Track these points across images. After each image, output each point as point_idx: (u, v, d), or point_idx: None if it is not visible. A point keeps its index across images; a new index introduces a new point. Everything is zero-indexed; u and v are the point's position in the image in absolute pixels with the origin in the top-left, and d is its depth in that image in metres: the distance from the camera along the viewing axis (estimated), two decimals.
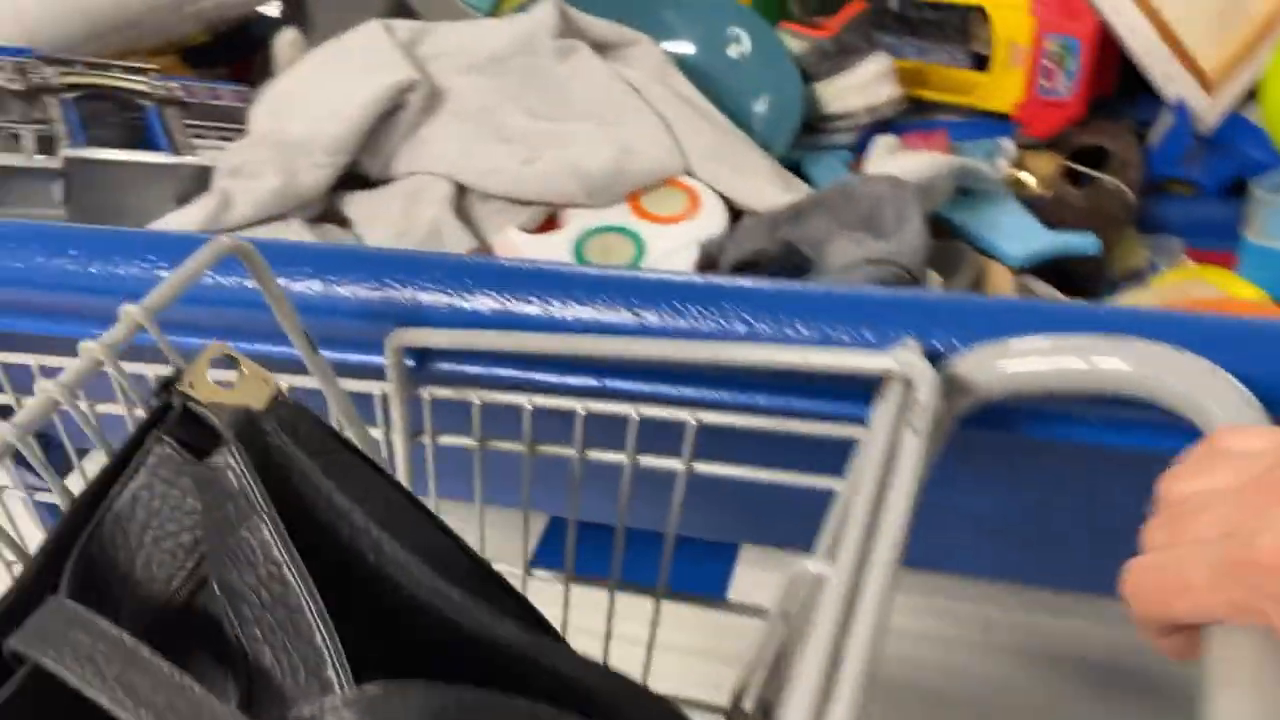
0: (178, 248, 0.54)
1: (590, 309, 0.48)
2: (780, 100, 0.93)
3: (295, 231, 0.79)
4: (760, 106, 0.95)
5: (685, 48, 0.99)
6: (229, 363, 0.36)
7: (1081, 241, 0.76)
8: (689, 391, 0.49)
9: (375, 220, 0.80)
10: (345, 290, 0.52)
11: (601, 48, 0.92)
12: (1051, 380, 0.40)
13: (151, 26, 1.02)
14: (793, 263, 0.63)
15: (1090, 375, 0.39)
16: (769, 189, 0.79)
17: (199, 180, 0.83)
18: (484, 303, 0.50)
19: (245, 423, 0.34)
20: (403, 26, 0.91)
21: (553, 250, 0.77)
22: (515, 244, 0.78)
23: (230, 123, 0.89)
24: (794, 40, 0.95)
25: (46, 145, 0.77)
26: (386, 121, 0.83)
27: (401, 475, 0.54)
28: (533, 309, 0.49)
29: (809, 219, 0.73)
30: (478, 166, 0.81)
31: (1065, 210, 0.80)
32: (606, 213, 0.79)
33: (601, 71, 0.87)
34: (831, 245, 0.70)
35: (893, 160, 0.76)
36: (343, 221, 0.84)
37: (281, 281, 0.51)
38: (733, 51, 0.98)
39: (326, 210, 0.84)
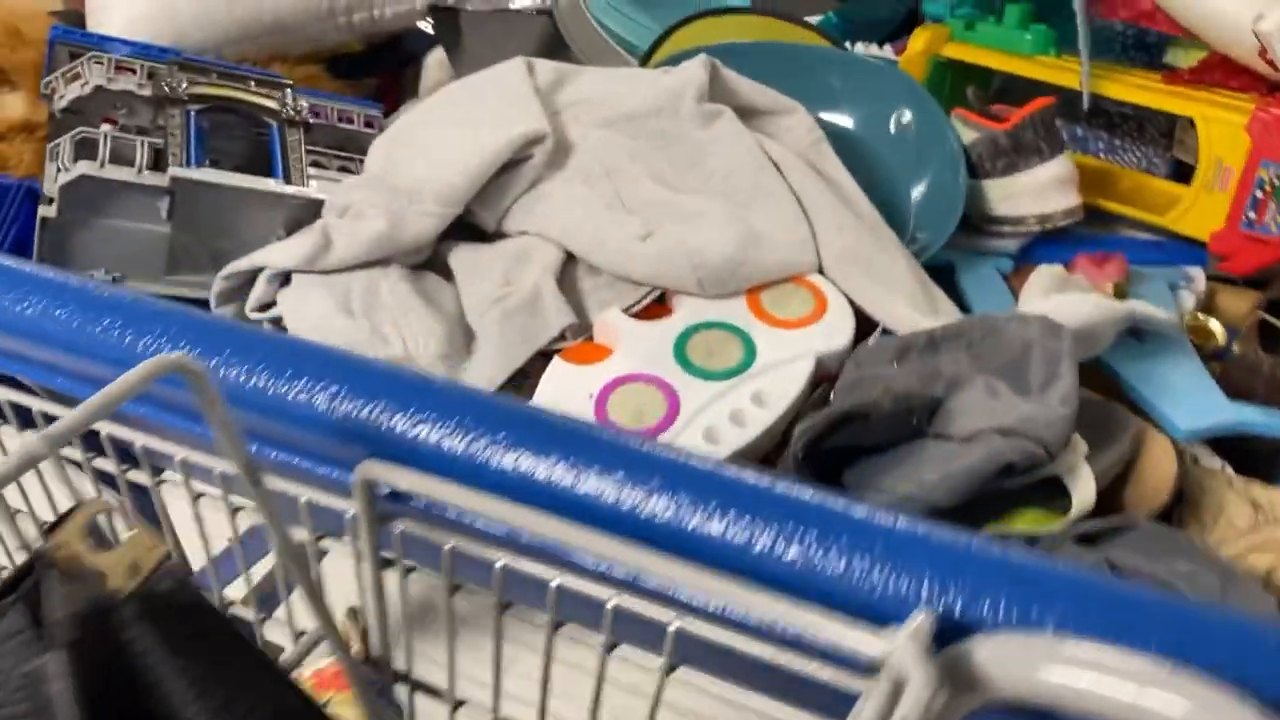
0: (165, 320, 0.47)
1: (597, 479, 0.40)
2: (941, 192, 0.84)
3: (393, 279, 0.75)
4: (918, 194, 0.86)
5: (844, 119, 0.91)
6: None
7: (1268, 422, 0.65)
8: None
9: (477, 278, 0.75)
10: (313, 400, 0.45)
11: (751, 113, 0.84)
12: (1090, 703, 0.31)
13: (301, 33, 1.00)
14: (907, 423, 0.55)
15: (1135, 712, 0.30)
16: (906, 309, 0.70)
17: (311, 209, 0.79)
18: (466, 446, 0.42)
19: (95, 615, 0.28)
20: (546, 68, 0.86)
21: (653, 340, 0.70)
22: (614, 327, 0.71)
23: (353, 152, 0.86)
24: (966, 129, 0.85)
25: (159, 159, 0.75)
26: (507, 172, 0.78)
27: (370, 606, 0.48)
28: (510, 461, 0.41)
29: (945, 351, 0.64)
30: (590, 235, 0.75)
31: (1254, 378, 0.68)
32: (720, 305, 0.72)
33: (743, 142, 0.80)
34: (965, 390, 0.61)
35: (1054, 298, 0.66)
36: (449, 271, 0.79)
37: (243, 378, 0.45)
38: (896, 129, 0.89)
39: (434, 257, 0.80)
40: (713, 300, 0.72)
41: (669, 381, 0.67)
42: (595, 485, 0.39)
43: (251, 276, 0.75)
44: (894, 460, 0.55)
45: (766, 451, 0.66)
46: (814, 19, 1.10)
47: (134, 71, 0.82)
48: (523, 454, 0.40)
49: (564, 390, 0.68)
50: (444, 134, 0.79)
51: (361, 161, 0.84)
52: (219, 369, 0.45)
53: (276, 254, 0.74)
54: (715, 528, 0.37)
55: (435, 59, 1.08)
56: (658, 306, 0.74)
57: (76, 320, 0.47)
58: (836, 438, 0.54)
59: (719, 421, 0.65)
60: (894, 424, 0.54)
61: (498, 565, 0.41)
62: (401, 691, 0.53)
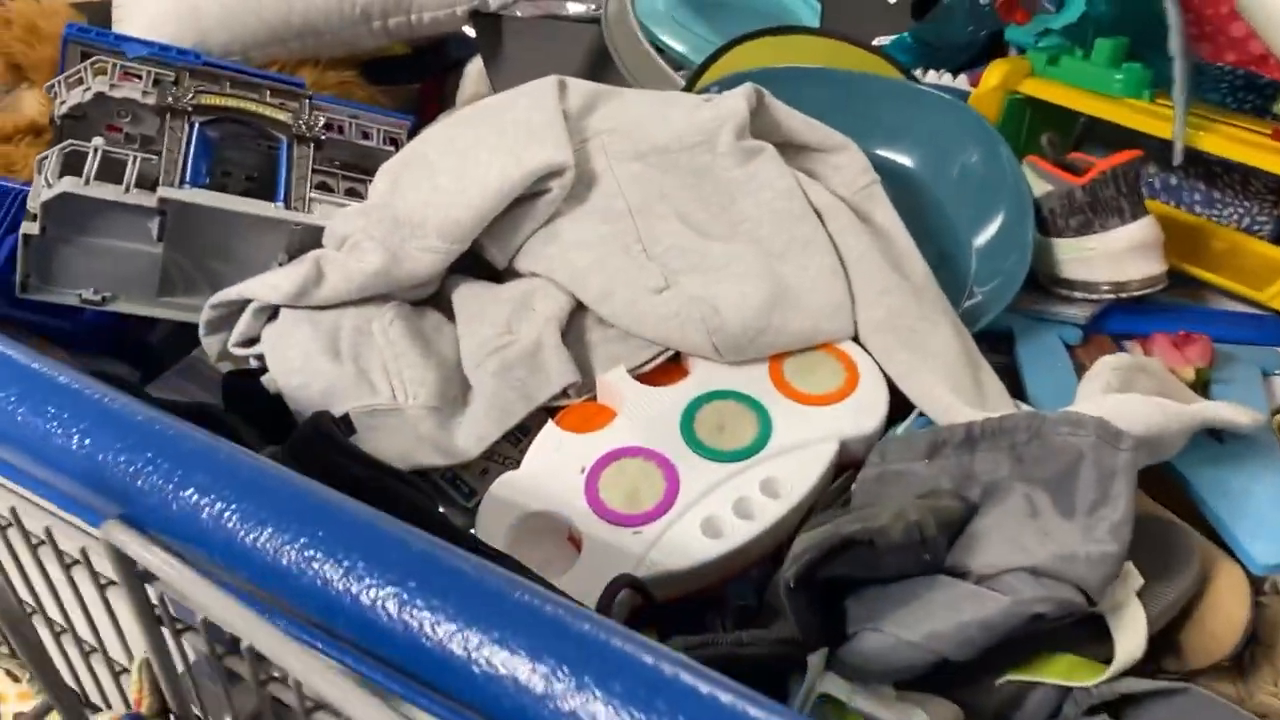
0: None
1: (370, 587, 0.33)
2: (1006, 247, 0.75)
3: (388, 319, 0.69)
4: (979, 248, 0.77)
5: (903, 157, 0.82)
6: None
7: None
8: None
9: (478, 323, 0.69)
10: (66, 440, 0.39)
11: (797, 149, 0.76)
12: None
13: (334, 37, 0.95)
14: (918, 556, 0.47)
15: None
16: (948, 393, 0.62)
17: (314, 234, 0.74)
18: (226, 522, 0.36)
19: None
20: (580, 90, 0.79)
21: (660, 409, 0.63)
22: (618, 389, 0.64)
23: (367, 171, 0.80)
24: (1038, 179, 0.76)
25: (151, 176, 0.70)
26: (522, 205, 0.72)
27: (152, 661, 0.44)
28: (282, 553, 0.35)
29: (984, 450, 0.56)
30: (601, 283, 0.68)
31: None
32: (737, 373, 0.65)
33: (782, 185, 0.72)
34: (1000, 502, 0.52)
35: (1113, 397, 0.57)
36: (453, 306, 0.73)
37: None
38: (960, 173, 0.80)
39: (440, 290, 0.74)
40: (731, 366, 0.65)
41: (671, 459, 0.60)
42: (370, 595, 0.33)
43: (242, 305, 0.70)
44: (900, 597, 0.47)
45: (774, 548, 0.59)
46: (886, 39, 1.02)
47: (139, 78, 0.77)
48: (302, 548, 0.34)
49: (555, 462, 0.61)
50: (456, 161, 0.73)
51: (370, 181, 0.78)
52: None
53: (263, 286, 0.68)
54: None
55: (474, 69, 1.02)
56: (672, 367, 0.67)
57: None
58: (836, 564, 0.46)
59: (722, 511, 0.58)
60: (904, 556, 0.46)
61: (245, 645, 0.36)
62: None
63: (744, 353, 0.64)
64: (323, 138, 0.79)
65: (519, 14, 1.02)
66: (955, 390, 0.62)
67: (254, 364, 0.70)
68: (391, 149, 0.84)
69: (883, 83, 0.86)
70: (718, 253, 0.69)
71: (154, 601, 0.42)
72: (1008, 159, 0.76)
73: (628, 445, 0.61)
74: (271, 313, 0.70)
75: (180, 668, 0.46)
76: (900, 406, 0.64)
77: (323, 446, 0.57)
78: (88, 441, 0.39)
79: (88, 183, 0.68)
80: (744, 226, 0.71)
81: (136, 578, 0.40)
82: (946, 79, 0.95)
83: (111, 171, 0.70)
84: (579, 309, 0.69)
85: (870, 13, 1.05)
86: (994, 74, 0.84)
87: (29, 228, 0.68)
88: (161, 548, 0.37)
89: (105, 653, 0.51)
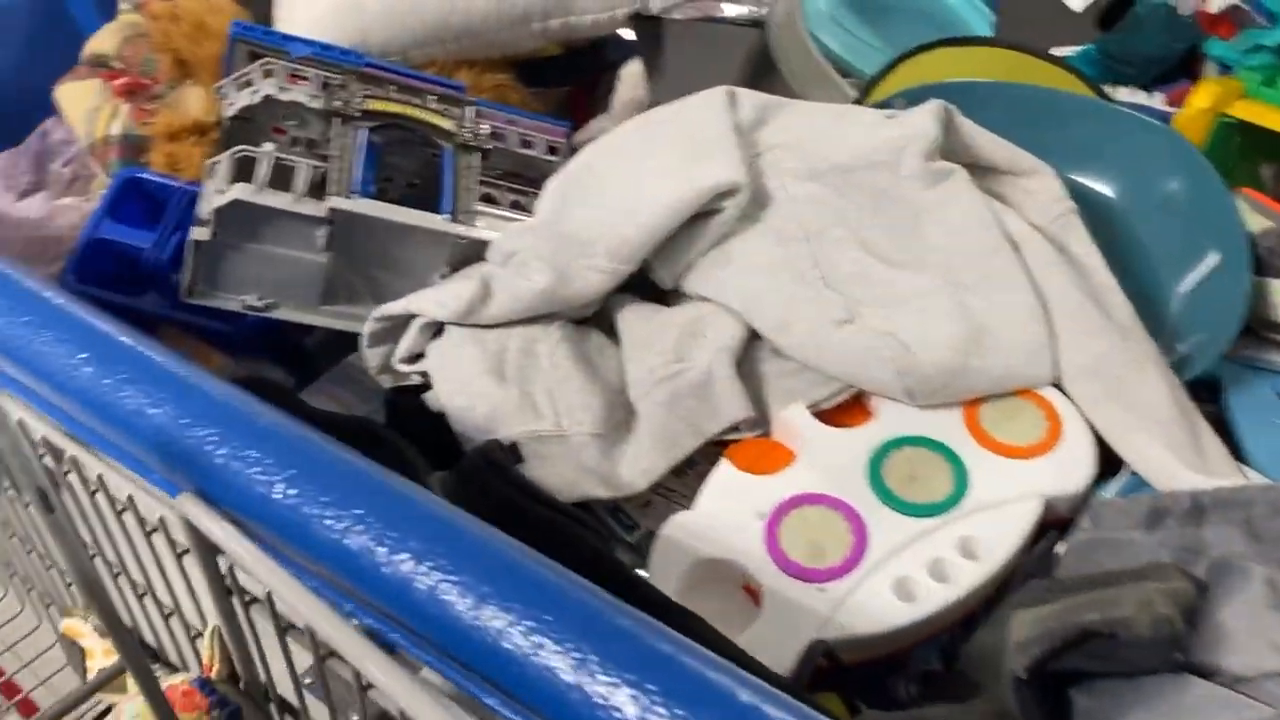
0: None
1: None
2: (1217, 289, 0.69)
3: (553, 340, 0.66)
4: (1185, 290, 0.71)
5: (1099, 185, 0.77)
6: None
7: None
8: None
9: (645, 349, 0.66)
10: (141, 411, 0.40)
11: (983, 172, 0.71)
12: None
13: (493, 39, 0.92)
14: (1167, 653, 0.42)
15: None
16: (1162, 451, 0.56)
17: (478, 248, 0.72)
18: (296, 504, 0.36)
19: None
20: (751, 102, 0.75)
21: (844, 452, 0.59)
22: (797, 428, 0.61)
23: (530, 182, 0.78)
24: (1254, 214, 0.69)
25: (320, 184, 0.69)
26: (693, 225, 0.68)
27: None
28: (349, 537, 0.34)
29: (1214, 524, 0.51)
30: (778, 313, 0.64)
31: None
32: (929, 417, 0.60)
33: (975, 213, 0.67)
34: (1242, 587, 0.47)
35: None
36: (614, 326, 0.70)
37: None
38: (1164, 205, 0.74)
39: (601, 310, 0.71)
40: (922, 411, 0.60)
41: (858, 510, 0.56)
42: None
43: (406, 319, 0.69)
44: (1143, 697, 0.42)
45: (968, 613, 0.55)
46: (1069, 50, 0.95)
47: (307, 80, 0.76)
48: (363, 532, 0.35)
49: (731, 506, 0.58)
50: (625, 177, 0.70)
51: (537, 195, 0.76)
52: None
53: (430, 302, 0.66)
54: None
55: (632, 72, 0.98)
56: (853, 405, 0.63)
57: None
58: (1070, 656, 0.42)
59: (915, 572, 0.54)
60: (1149, 652, 0.42)
61: (304, 623, 0.37)
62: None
63: (937, 396, 0.60)
64: (488, 147, 0.76)
65: (677, 16, 0.99)
66: (1172, 449, 0.57)
67: (416, 380, 0.68)
68: (553, 158, 0.82)
69: (1074, 100, 0.80)
70: (904, 284, 0.65)
71: (224, 572, 0.44)
72: (1221, 191, 0.70)
73: (810, 492, 0.57)
74: (436, 329, 0.68)
75: (249, 637, 0.47)
76: (1104, 461, 0.59)
77: (493, 477, 0.55)
78: (168, 415, 0.40)
79: (260, 190, 0.67)
80: (931, 256, 0.67)
81: (208, 549, 0.42)
82: (1141, 97, 0.88)
83: (281, 178, 0.69)
84: (753, 337, 0.66)
85: (1050, 22, 0.99)
86: (1203, 95, 0.77)
87: (199, 233, 0.68)
88: (230, 523, 0.38)
89: (181, 616, 0.54)
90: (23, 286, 0.47)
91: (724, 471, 0.59)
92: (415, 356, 0.68)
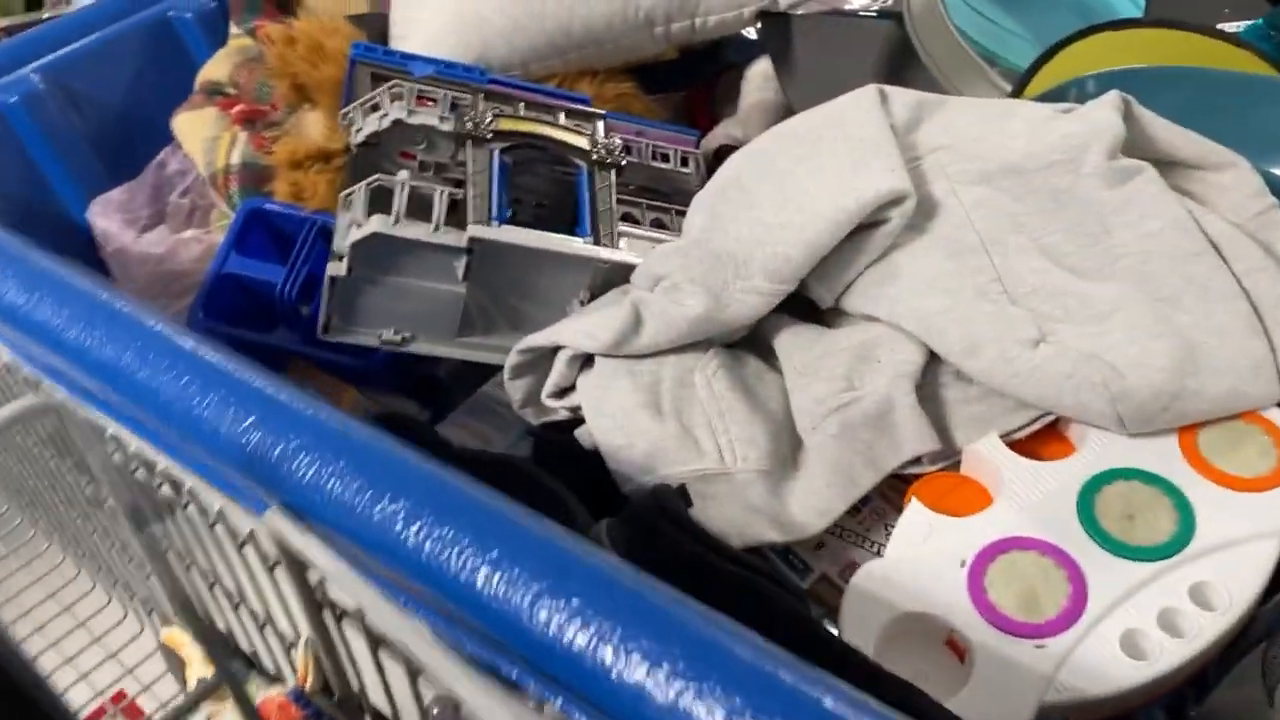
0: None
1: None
2: None
3: (710, 369, 0.62)
4: None
5: None
6: None
7: None
8: None
9: (811, 376, 0.61)
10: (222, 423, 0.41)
11: (1168, 168, 0.65)
12: None
13: (614, 45, 0.88)
14: None
15: None
16: None
17: (621, 272, 0.68)
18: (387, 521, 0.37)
19: None
20: (904, 100, 0.70)
21: (1049, 489, 0.54)
22: (992, 462, 0.55)
23: (666, 195, 0.73)
24: None
25: (457, 208, 0.66)
26: (854, 238, 0.63)
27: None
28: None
29: None
30: (961, 333, 0.59)
31: None
32: (1141, 447, 0.54)
33: (1168, 212, 0.61)
34: None
35: None
36: (768, 346, 0.66)
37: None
38: None
39: (755, 333, 0.66)
40: (1133, 440, 0.55)
41: (1073, 555, 0.51)
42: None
43: (552, 350, 0.65)
44: None
45: (1204, 668, 0.49)
46: (1236, 26, 0.88)
47: (434, 102, 0.73)
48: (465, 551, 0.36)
49: (928, 552, 0.53)
50: (777, 189, 0.65)
51: (678, 212, 0.71)
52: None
53: (578, 333, 0.62)
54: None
55: (759, 71, 0.94)
56: (1051, 436, 0.58)
57: None
58: None
59: (1144, 624, 0.48)
60: None
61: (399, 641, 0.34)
62: None
63: (1153, 423, 0.54)
64: (623, 163, 0.72)
65: (802, 10, 0.93)
66: None
67: (564, 414, 0.65)
68: (688, 170, 0.77)
69: (1262, 83, 0.73)
70: (1099, 297, 0.59)
71: (314, 585, 0.43)
72: None
73: (1017, 535, 0.52)
74: (584, 360, 0.64)
75: (341, 650, 0.46)
76: None
77: (667, 525, 0.51)
78: (254, 430, 0.41)
79: (397, 221, 0.64)
80: (1124, 263, 0.61)
81: (298, 564, 0.41)
82: None
83: (417, 206, 0.65)
84: (930, 360, 0.61)
85: None
86: None
87: (336, 269, 0.65)
88: (318, 537, 0.38)
89: (275, 627, 0.53)
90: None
91: (916, 513, 0.54)
92: (563, 390, 0.64)
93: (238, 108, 0.88)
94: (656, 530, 0.50)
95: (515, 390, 0.67)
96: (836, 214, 0.62)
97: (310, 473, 0.40)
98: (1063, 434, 0.57)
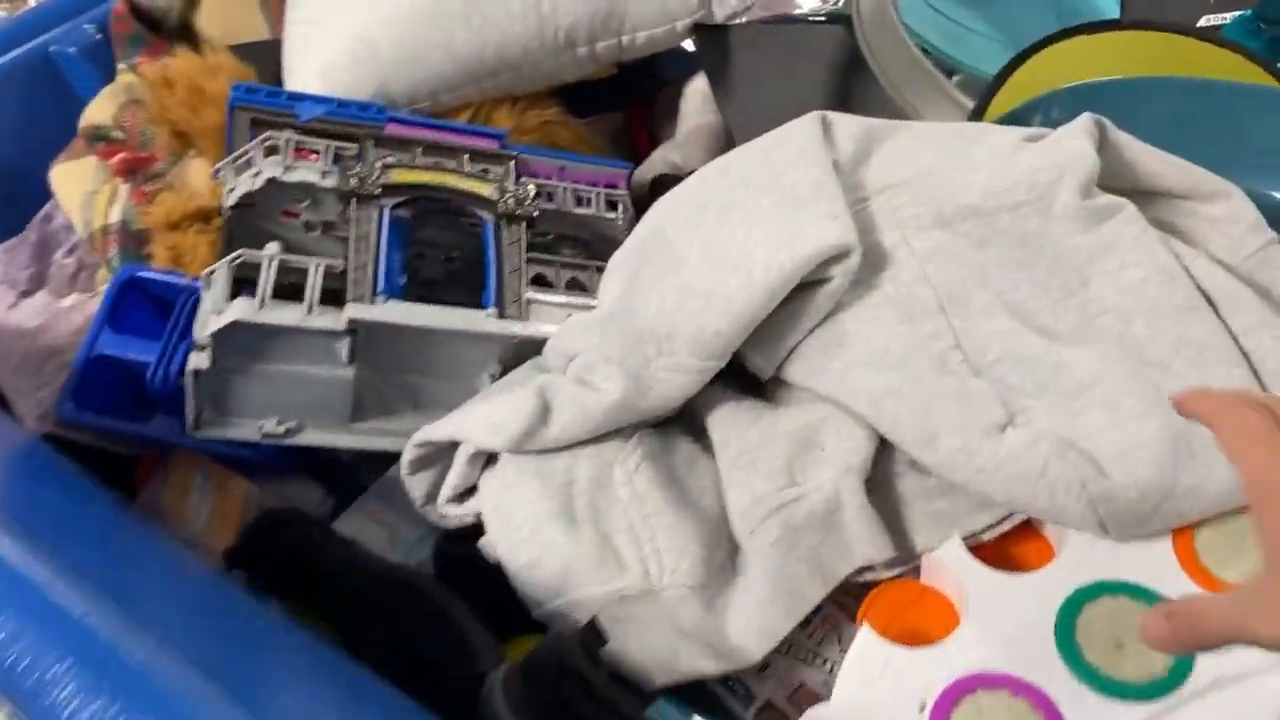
0: None
1: None
2: None
3: (632, 463, 0.54)
4: None
5: None
6: None
7: None
8: None
9: (748, 469, 0.53)
10: None
11: (1152, 198, 0.57)
12: None
13: (534, 70, 0.79)
14: None
15: None
16: None
17: (533, 344, 0.59)
18: None
19: None
20: (849, 130, 0.61)
21: (1022, 606, 0.45)
22: (956, 577, 0.47)
23: (587, 245, 0.65)
24: None
25: (336, 286, 0.57)
26: (794, 298, 0.55)
27: None
28: None
29: None
30: (916, 417, 0.50)
31: None
32: (1130, 553, 0.46)
33: (1153, 258, 0.52)
34: None
35: None
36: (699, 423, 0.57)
37: None
38: None
39: (686, 407, 0.58)
40: (1119, 546, 0.46)
41: (1050, 696, 0.43)
42: None
43: (452, 444, 0.57)
44: None
45: None
46: (1219, 19, 0.79)
47: (316, 154, 0.64)
48: None
49: (883, 690, 0.44)
50: (706, 246, 0.57)
51: (599, 269, 0.63)
52: None
53: (479, 426, 0.54)
54: None
55: (696, 90, 0.85)
56: (1026, 536, 0.49)
57: None
58: None
59: None
60: None
61: None
62: None
63: (1143, 527, 0.46)
64: (535, 214, 0.64)
65: (742, 19, 0.85)
66: None
67: (471, 519, 0.56)
68: (613, 217, 0.69)
69: (1252, 92, 0.65)
70: (1075, 364, 0.51)
71: None
72: None
73: (985, 672, 0.44)
74: (489, 454, 0.55)
75: None
76: None
77: (573, 693, 0.43)
78: None
79: (263, 305, 0.55)
80: (1103, 320, 0.52)
81: None
82: None
83: (290, 283, 0.57)
84: (882, 450, 0.52)
85: None
86: None
87: (198, 360, 0.56)
88: None
89: None
90: None
91: (868, 644, 0.46)
92: (466, 491, 0.56)
93: (118, 157, 0.79)
94: (556, 695, 0.42)
95: (415, 487, 0.58)
96: (771, 277, 0.53)
97: None
98: (1039, 532, 0.49)
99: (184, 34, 0.91)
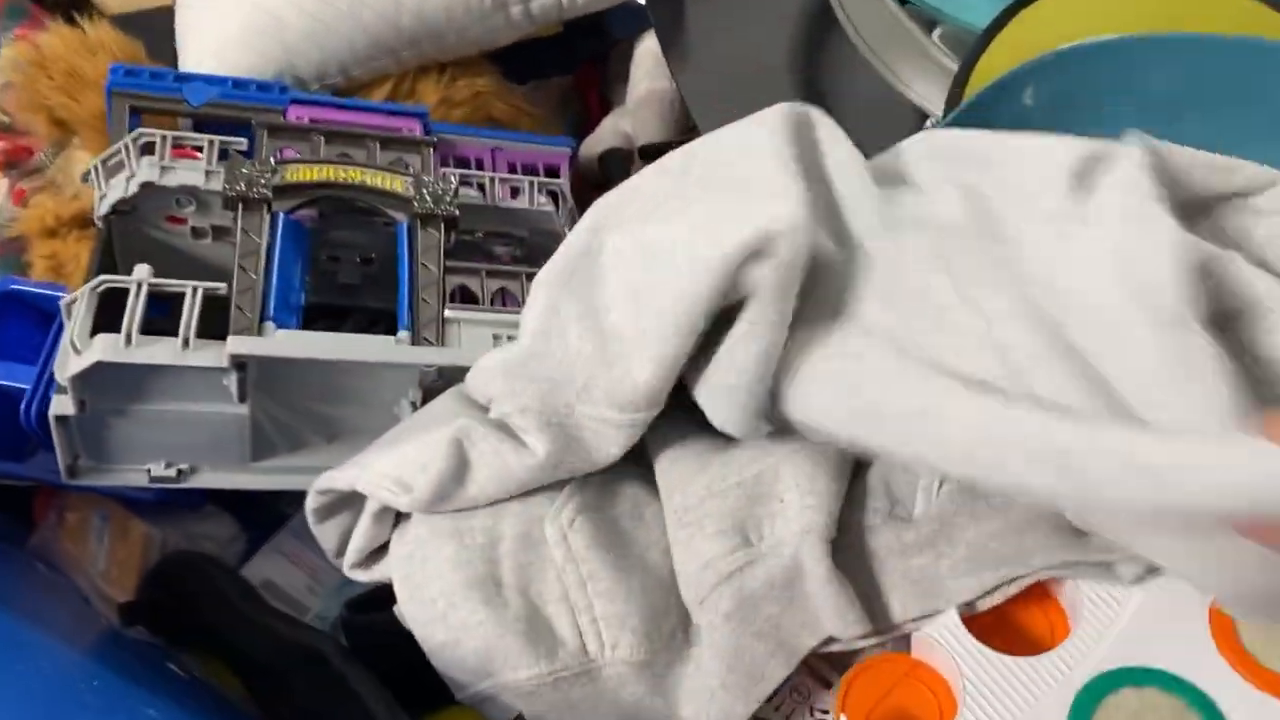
0: None
1: None
2: None
3: (564, 518, 0.46)
4: None
5: None
6: None
7: None
8: None
9: (695, 525, 0.45)
10: None
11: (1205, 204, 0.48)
12: None
13: (460, 37, 0.70)
14: None
15: None
16: None
17: (454, 370, 0.51)
18: None
19: None
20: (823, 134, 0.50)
21: (1031, 699, 0.38)
22: (949, 651, 0.40)
23: (516, 247, 0.56)
24: None
25: (216, 312, 0.49)
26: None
27: None
28: None
29: None
30: (891, 451, 0.42)
31: None
32: (1161, 632, 0.39)
33: (1146, 244, 0.44)
34: None
35: None
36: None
37: None
38: None
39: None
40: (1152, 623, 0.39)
41: None
42: None
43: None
44: None
45: None
46: None
47: (199, 150, 0.55)
48: None
49: None
50: (642, 268, 0.47)
51: (529, 276, 0.54)
52: None
53: (384, 482, 0.46)
54: None
55: (647, 51, 0.76)
56: (1033, 602, 0.42)
57: None
58: None
59: None
60: None
61: None
62: None
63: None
64: (456, 213, 0.55)
65: None
66: None
67: (375, 577, 0.49)
68: (549, 207, 0.60)
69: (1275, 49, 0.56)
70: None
71: None
72: None
73: None
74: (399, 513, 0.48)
75: None
76: None
77: None
78: None
79: (130, 341, 0.47)
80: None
81: None
82: None
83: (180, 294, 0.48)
84: (854, 488, 0.45)
85: None
86: None
87: (61, 405, 0.48)
88: None
89: None
90: None
91: None
92: (375, 552, 0.49)
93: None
94: None
95: (325, 536, 0.51)
96: (696, 283, 0.43)
97: None
98: (1053, 595, 0.42)
99: (79, 2, 0.82)
